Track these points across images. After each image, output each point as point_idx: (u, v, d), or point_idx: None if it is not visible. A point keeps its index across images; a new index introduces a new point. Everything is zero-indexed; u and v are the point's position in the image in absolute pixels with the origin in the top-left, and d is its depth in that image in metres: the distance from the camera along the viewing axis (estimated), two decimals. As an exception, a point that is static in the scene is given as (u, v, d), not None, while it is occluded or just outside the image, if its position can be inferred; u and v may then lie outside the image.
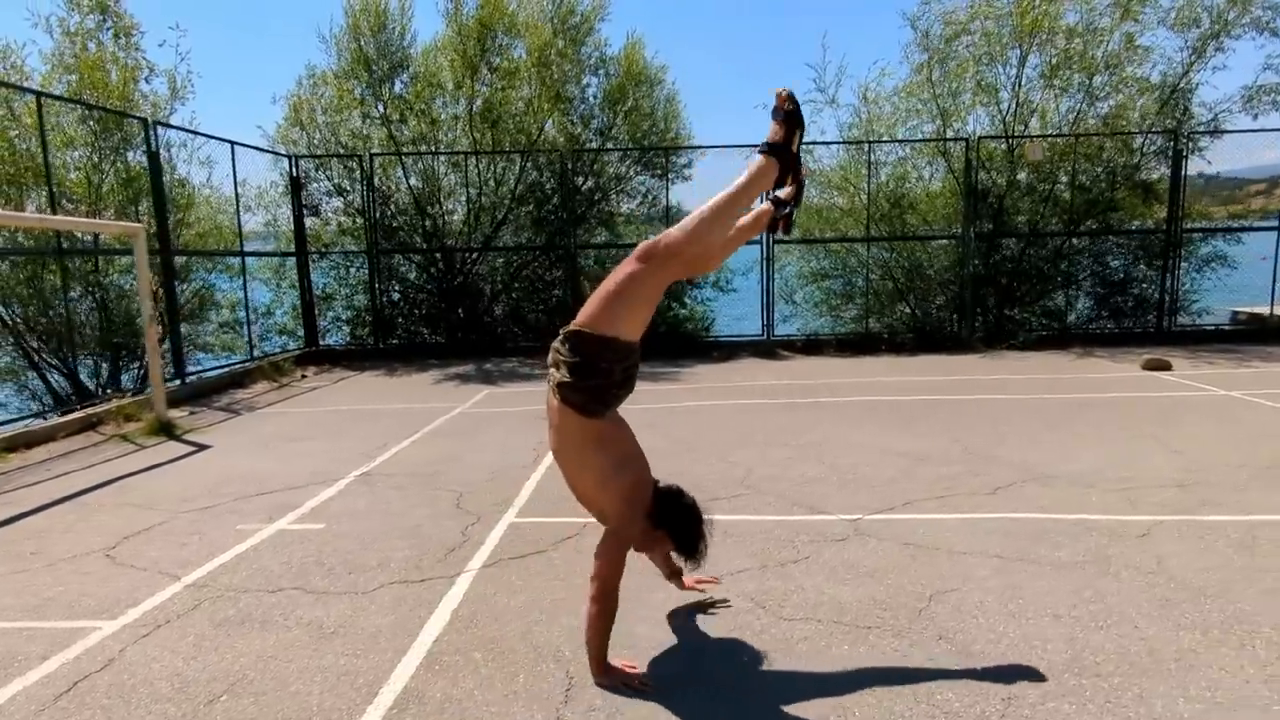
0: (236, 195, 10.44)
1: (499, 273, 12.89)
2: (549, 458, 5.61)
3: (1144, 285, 12.30)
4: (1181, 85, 11.66)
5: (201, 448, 6.58)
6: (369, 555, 3.89)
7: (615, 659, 2.62)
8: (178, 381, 9.13)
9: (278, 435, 6.94)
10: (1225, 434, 5.91)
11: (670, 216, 13.33)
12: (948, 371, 9.39)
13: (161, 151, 9.23)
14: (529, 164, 12.10)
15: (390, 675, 2.70)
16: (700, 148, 12.79)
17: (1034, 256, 12.33)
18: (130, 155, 9.43)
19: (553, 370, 2.58)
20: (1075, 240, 12.23)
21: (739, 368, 10.41)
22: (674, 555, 2.88)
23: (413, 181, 12.10)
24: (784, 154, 2.57)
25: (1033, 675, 2.58)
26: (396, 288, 12.67)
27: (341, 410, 8.07)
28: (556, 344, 2.57)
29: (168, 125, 9.57)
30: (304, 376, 10.59)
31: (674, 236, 2.51)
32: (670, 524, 2.72)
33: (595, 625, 2.54)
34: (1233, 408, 6.91)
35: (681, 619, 3.08)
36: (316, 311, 12.31)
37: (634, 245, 9.97)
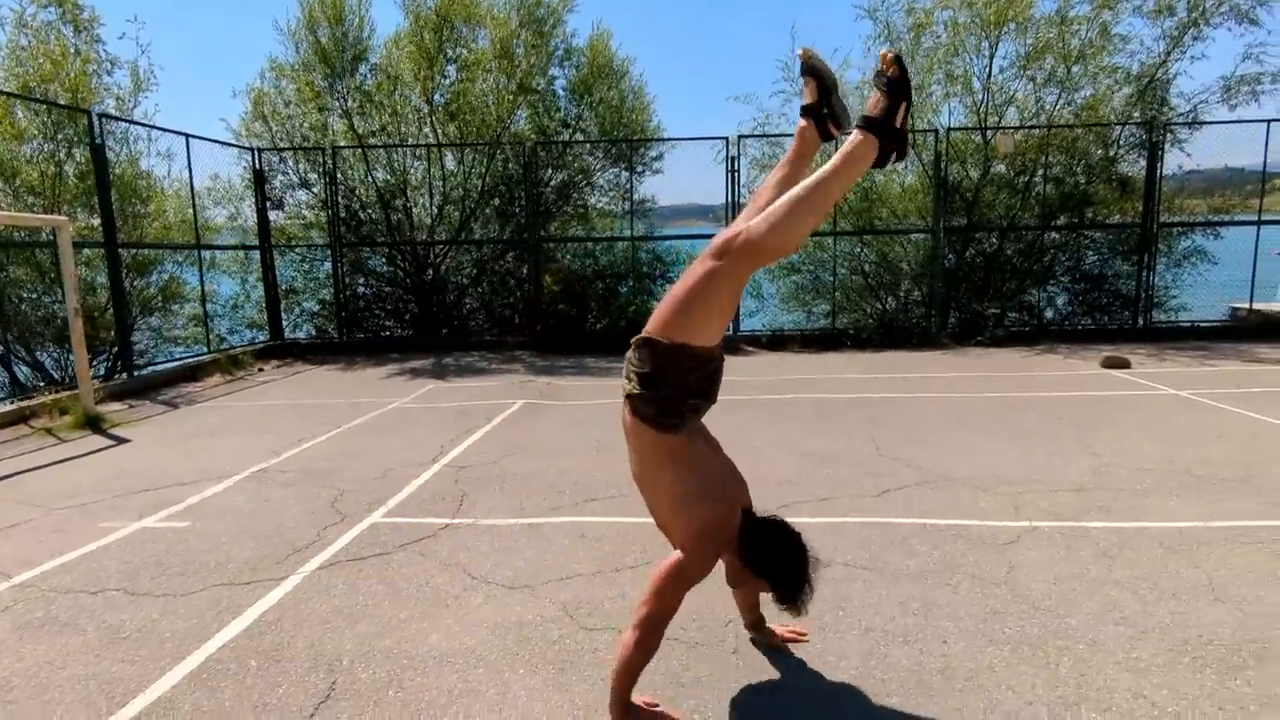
0: (191, 188, 10.42)
1: (466, 267, 12.84)
2: (449, 455, 5.55)
3: (1120, 281, 12.01)
4: (1158, 76, 11.35)
5: (121, 442, 6.55)
6: (213, 555, 3.81)
7: (637, 696, 2.31)
8: (124, 375, 9.13)
9: (202, 430, 6.90)
10: (1153, 435, 5.71)
11: (644, 211, 13.29)
12: (904, 369, 9.20)
13: (111, 145, 9.22)
14: (496, 157, 12.03)
15: (153, 684, 2.62)
16: (666, 140, 12.64)
17: (1009, 251, 12.09)
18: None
19: (624, 382, 2.31)
20: (1052, 235, 11.98)
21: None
22: (771, 600, 2.38)
23: (377, 175, 12.04)
24: (886, 130, 2.08)
25: (808, 693, 2.45)
26: (363, 282, 12.63)
27: (279, 405, 8.02)
28: (630, 353, 2.30)
29: (112, 117, 9.55)
30: (261, 370, 10.58)
31: (756, 229, 2.10)
32: (765, 562, 2.28)
33: (628, 662, 2.18)
34: (1174, 407, 6.70)
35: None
36: (283, 305, 12.29)
37: (605, 239, 9.86)
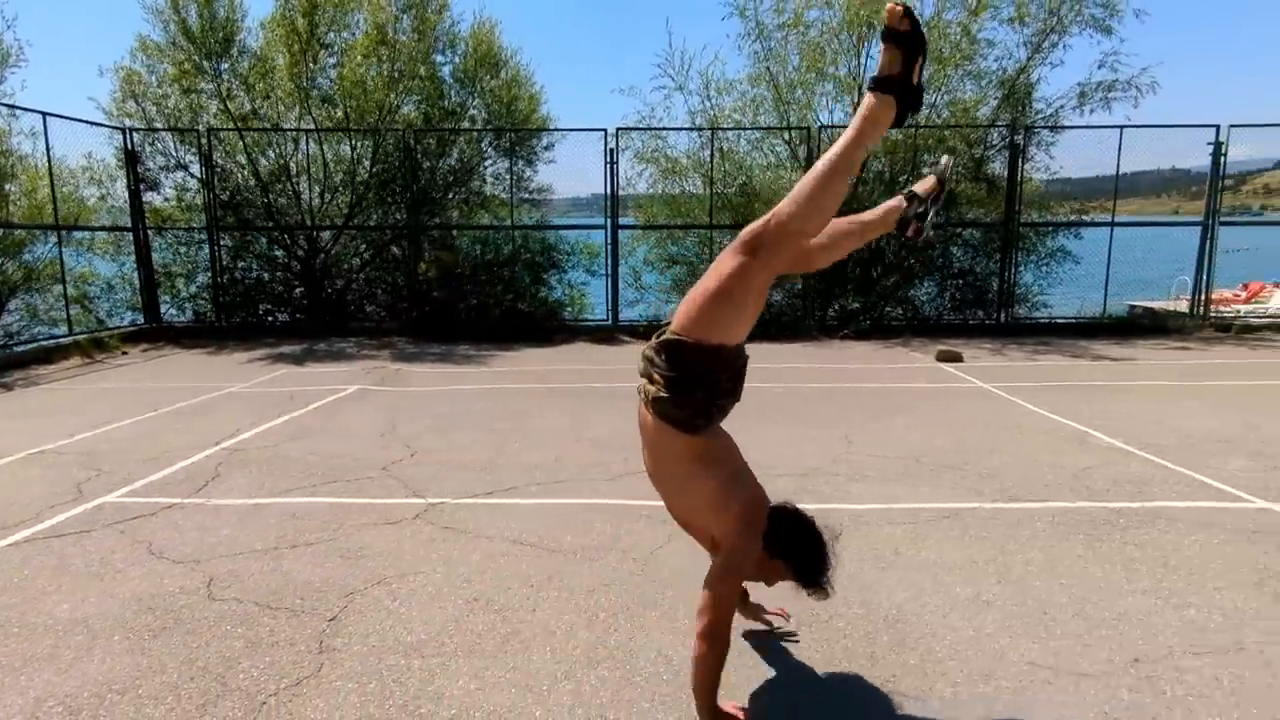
0: (50, 168, 10.25)
1: (353, 253, 12.84)
2: (238, 438, 5.64)
3: (988, 279, 12.45)
4: (1020, 80, 11.76)
5: (-76, 423, 6.50)
6: (-83, 532, 3.88)
7: (723, 702, 2.27)
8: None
9: (15, 412, 6.89)
10: (922, 425, 6.02)
11: (539, 201, 13.39)
12: (757, 359, 9.40)
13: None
14: (382, 144, 12.02)
15: None
16: (544, 130, 12.76)
17: (885, 248, 12.43)
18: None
19: (645, 383, 2.18)
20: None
21: (565, 352, 10.43)
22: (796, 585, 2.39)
23: (257, 159, 11.95)
24: (902, 89, 1.98)
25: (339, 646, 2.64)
26: (243, 265, 12.54)
27: (117, 388, 7.99)
28: (649, 353, 2.18)
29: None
30: (125, 353, 10.49)
31: (786, 213, 2.01)
32: (788, 550, 2.29)
33: (704, 669, 2.16)
34: (970, 399, 7.05)
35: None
36: (159, 288, 12.17)
37: (483, 227, 9.90)
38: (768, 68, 11.73)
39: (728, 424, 2.35)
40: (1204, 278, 11.96)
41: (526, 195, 13.38)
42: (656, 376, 2.14)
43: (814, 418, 6.33)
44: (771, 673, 2.59)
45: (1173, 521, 3.93)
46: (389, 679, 2.52)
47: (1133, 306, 14.88)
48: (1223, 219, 11.81)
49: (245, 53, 11.31)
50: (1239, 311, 14.59)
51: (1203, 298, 12.04)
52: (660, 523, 3.92)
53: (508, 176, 13.05)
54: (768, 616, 2.83)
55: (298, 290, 12.72)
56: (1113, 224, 12.00)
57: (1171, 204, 17.12)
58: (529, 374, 8.64)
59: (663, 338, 2.16)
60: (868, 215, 2.46)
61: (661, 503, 3.81)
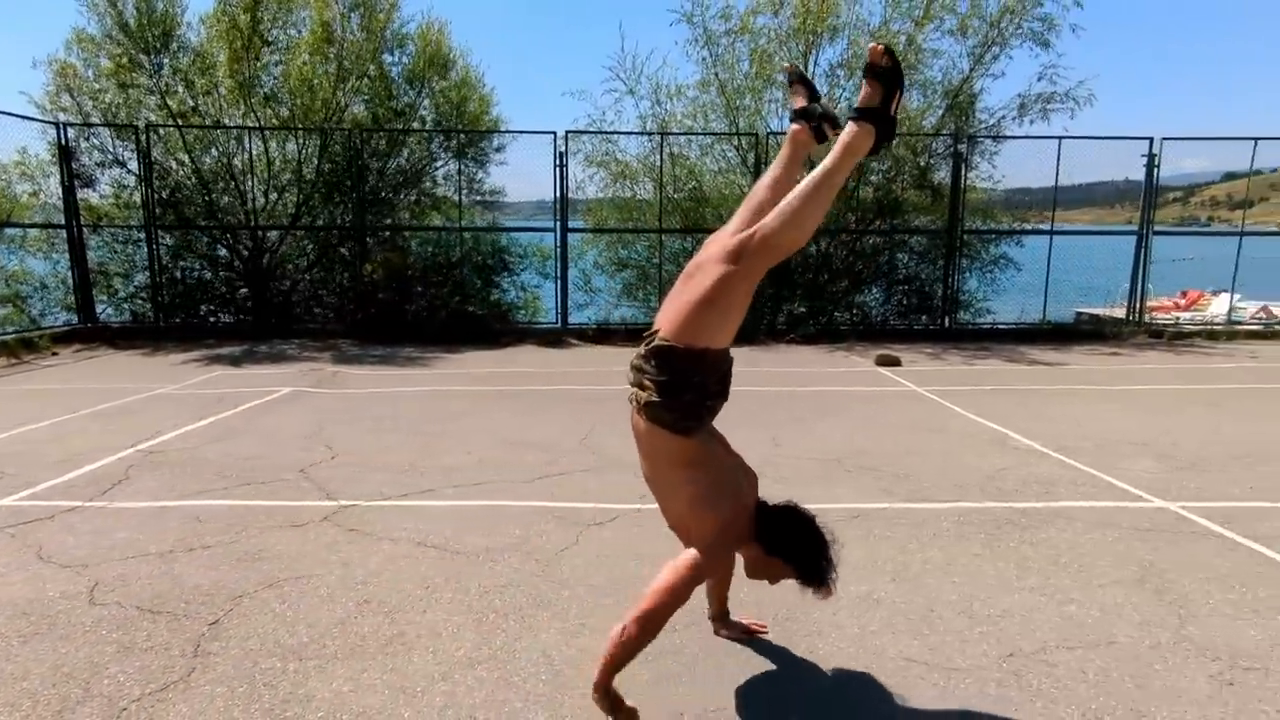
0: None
1: (298, 254, 12.66)
2: (156, 440, 5.52)
3: (932, 284, 12.66)
4: (964, 91, 12.00)
5: None
6: None
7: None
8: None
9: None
10: (851, 427, 6.10)
11: (492, 203, 13.33)
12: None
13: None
14: (330, 143, 11.87)
15: None
16: (492, 132, 12.72)
17: (834, 253, 12.59)
18: None
19: (636, 390, 2.26)
20: (871, 239, 12.53)
21: (511, 355, 10.37)
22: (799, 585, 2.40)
23: (197, 157, 11.72)
24: (881, 120, 2.15)
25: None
26: (184, 265, 12.27)
27: (42, 390, 7.75)
28: (638, 361, 2.25)
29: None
30: (55, 354, 10.20)
31: (771, 226, 2.13)
32: (788, 548, 2.32)
33: (622, 651, 2.17)
34: (903, 402, 7.15)
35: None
36: (95, 287, 11.86)
37: (437, 228, 9.79)
38: (716, 74, 11.81)
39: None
40: (1139, 286, 12.29)
41: (479, 197, 13.33)
42: (647, 382, 2.21)
43: (745, 420, 6.36)
44: (651, 667, 2.59)
45: (1071, 521, 4.03)
46: (260, 682, 2.47)
47: (1079, 313, 15.30)
48: (1157, 229, 12.12)
49: (185, 48, 11.08)
50: (1178, 319, 15.08)
51: (1138, 305, 12.36)
52: (571, 524, 3.93)
53: (463, 178, 13.00)
54: (750, 626, 2.84)
55: (242, 291, 12.49)
56: (1052, 232, 12.29)
57: (1125, 214, 17.62)
58: (470, 376, 8.58)
59: (652, 345, 2.22)
60: (780, 157, 2.50)
61: (573, 504, 3.85)
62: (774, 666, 2.63)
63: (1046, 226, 12.39)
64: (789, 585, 2.43)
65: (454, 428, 6.09)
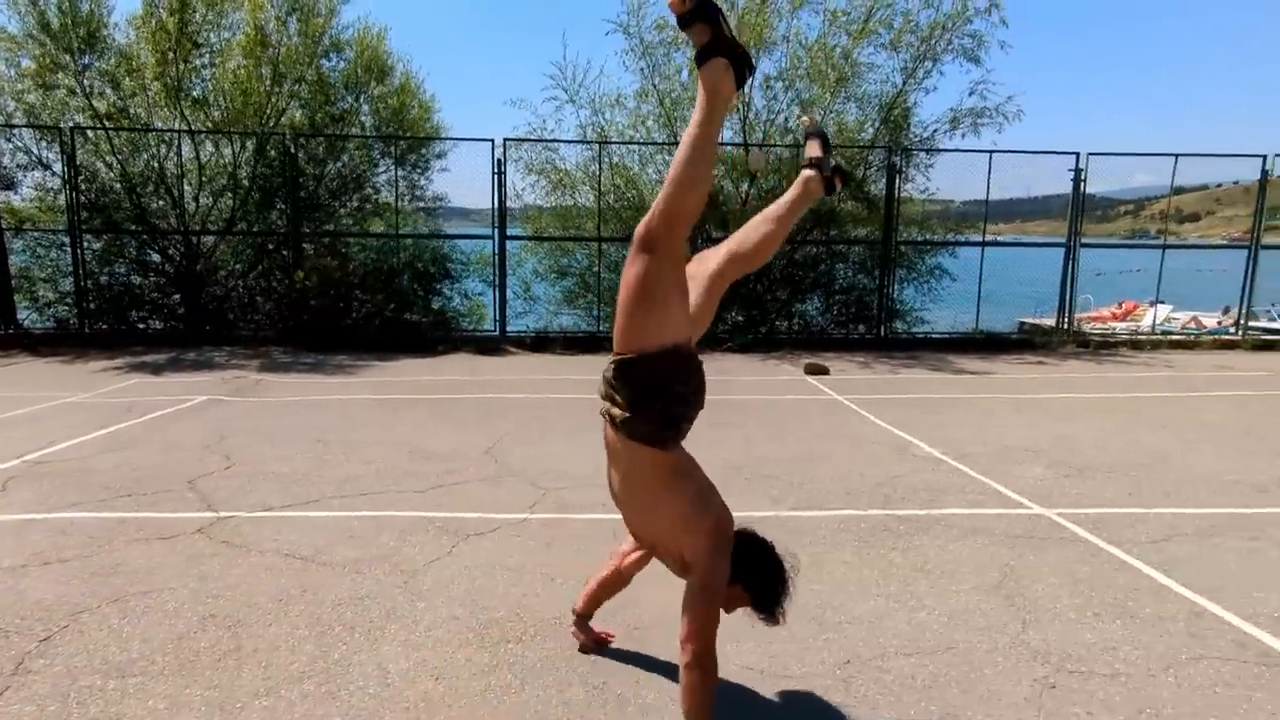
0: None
1: (232, 261, 12.44)
2: (44, 451, 5.38)
3: (869, 295, 12.83)
4: (898, 104, 12.22)
5: None
6: None
7: None
8: None
9: None
10: (761, 435, 6.15)
11: (434, 210, 13.24)
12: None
13: None
14: (267, 147, 11.70)
15: None
16: (429, 139, 12.65)
17: (771, 264, 12.69)
18: None
19: (607, 405, 2.17)
20: (809, 249, 12.67)
21: (444, 363, 10.26)
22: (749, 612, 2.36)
23: (125, 160, 11.46)
24: (721, 47, 1.95)
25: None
26: (112, 270, 11.98)
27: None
28: (607, 374, 2.16)
29: None
30: (-33, 361, 9.87)
31: (661, 200, 2.04)
32: (749, 575, 2.25)
33: (699, 695, 2.11)
34: (817, 410, 7.23)
35: None
36: (19, 292, 11.53)
37: (373, 235, 9.66)
38: (654, 84, 11.89)
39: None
40: (1068, 297, 12.58)
41: (422, 204, 13.26)
42: (617, 399, 2.13)
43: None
44: (504, 677, 2.57)
45: (948, 528, 4.10)
46: (74, 701, 2.41)
47: (1022, 322, 15.66)
48: (1084, 242, 12.44)
49: (110, 50, 10.84)
50: (1114, 329, 15.50)
51: (1068, 315, 12.66)
52: (450, 535, 3.90)
53: (400, 184, 12.92)
54: (600, 636, 2.85)
55: (175, 297, 12.22)
56: (984, 244, 12.55)
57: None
58: (396, 385, 8.49)
59: (615, 359, 2.15)
60: (790, 195, 2.52)
61: (459, 514, 3.81)
62: (609, 678, 2.63)
63: (979, 238, 12.64)
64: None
65: (361, 437, 6.01)
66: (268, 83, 11.42)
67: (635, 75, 11.96)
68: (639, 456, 2.18)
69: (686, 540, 2.20)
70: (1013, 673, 2.68)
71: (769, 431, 6.33)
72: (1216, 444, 5.97)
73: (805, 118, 2.73)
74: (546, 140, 12.10)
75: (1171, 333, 13.75)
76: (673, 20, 9.22)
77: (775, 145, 12.17)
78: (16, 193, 11.33)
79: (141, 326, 12.06)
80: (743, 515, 4.19)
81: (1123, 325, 17.15)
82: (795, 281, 12.86)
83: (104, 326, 11.67)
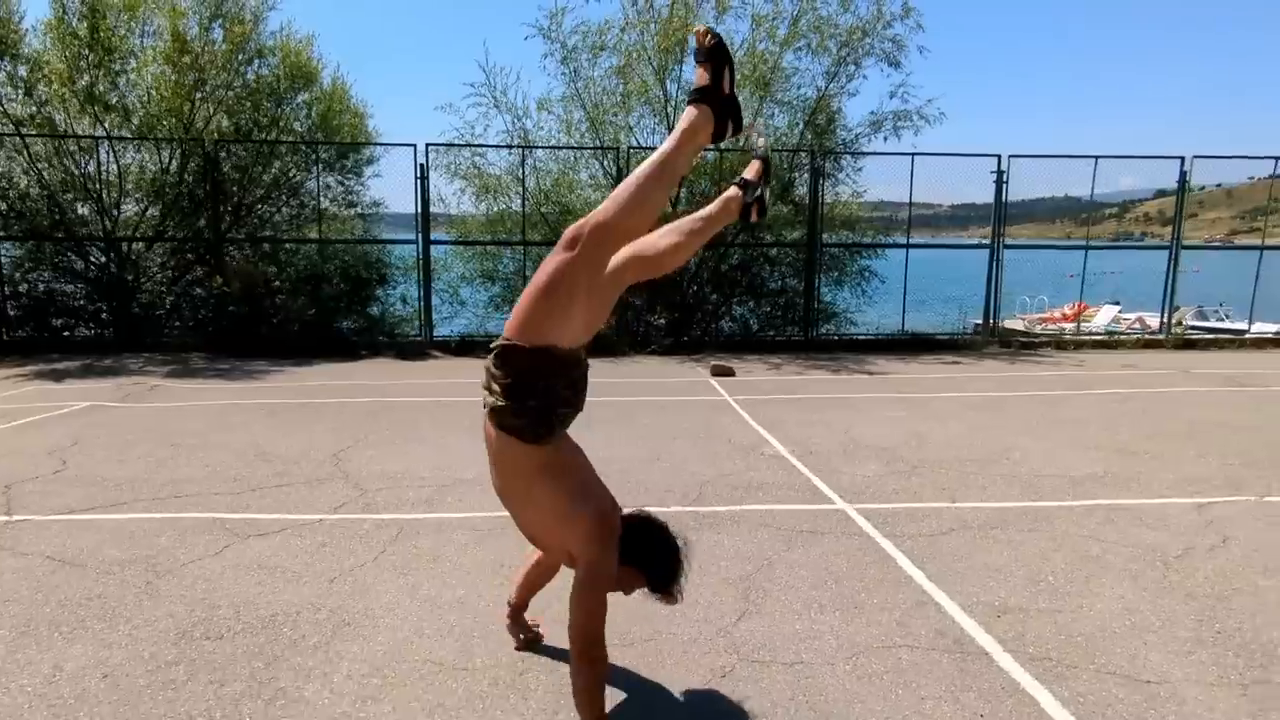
0: None
1: (155, 268, 12.43)
2: None
3: (798, 297, 12.88)
4: (821, 108, 12.30)
5: None
6: None
7: None
8: None
9: None
10: (626, 436, 6.13)
11: (374, 216, 13.26)
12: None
13: None
14: (191, 153, 11.71)
15: None
16: (358, 145, 12.69)
17: (701, 267, 12.75)
18: None
19: (485, 394, 2.16)
20: (736, 252, 12.73)
21: (360, 368, 10.26)
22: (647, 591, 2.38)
23: (43, 167, 11.45)
24: (714, 98, 2.11)
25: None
26: (33, 277, 11.95)
27: None
28: (488, 362, 2.15)
29: None
30: None
31: (604, 212, 2.08)
32: (639, 557, 2.28)
33: (587, 686, 2.17)
34: (698, 411, 7.24)
35: None
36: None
37: (298, 240, 9.66)
38: (577, 89, 11.94)
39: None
40: (992, 298, 12.66)
41: (358, 210, 13.30)
42: (495, 386, 2.12)
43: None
44: (174, 674, 2.58)
45: (739, 523, 4.13)
46: None
47: (976, 324, 15.75)
48: (1007, 244, 12.51)
49: (20, 57, 10.84)
50: (1063, 329, 15.53)
51: (991, 316, 12.72)
52: (230, 536, 3.91)
53: (335, 189, 12.98)
54: (533, 631, 2.83)
55: (102, 304, 12.19)
56: (908, 245, 12.63)
57: (1065, 229, 18.17)
58: (295, 389, 8.49)
59: (496, 345, 2.14)
60: (707, 210, 2.45)
61: (254, 515, 3.80)
62: (255, 666, 2.64)
63: (904, 239, 12.73)
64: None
65: (215, 440, 6.01)
66: (187, 89, 11.42)
67: (557, 80, 11.99)
68: (511, 450, 2.18)
69: (567, 533, 2.22)
70: (696, 663, 2.70)
71: (635, 433, 6.34)
72: (1061, 440, 6.02)
73: (760, 137, 2.65)
74: (469, 145, 12.15)
75: (1097, 333, 13.82)
76: (594, 25, 9.17)
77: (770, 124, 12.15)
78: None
79: (66, 334, 12.02)
80: (472, 516, 4.22)
81: (1070, 326, 17.26)
82: (727, 285, 12.90)
83: (23, 334, 11.63)
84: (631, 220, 2.11)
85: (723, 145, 11.18)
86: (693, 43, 2.16)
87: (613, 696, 2.47)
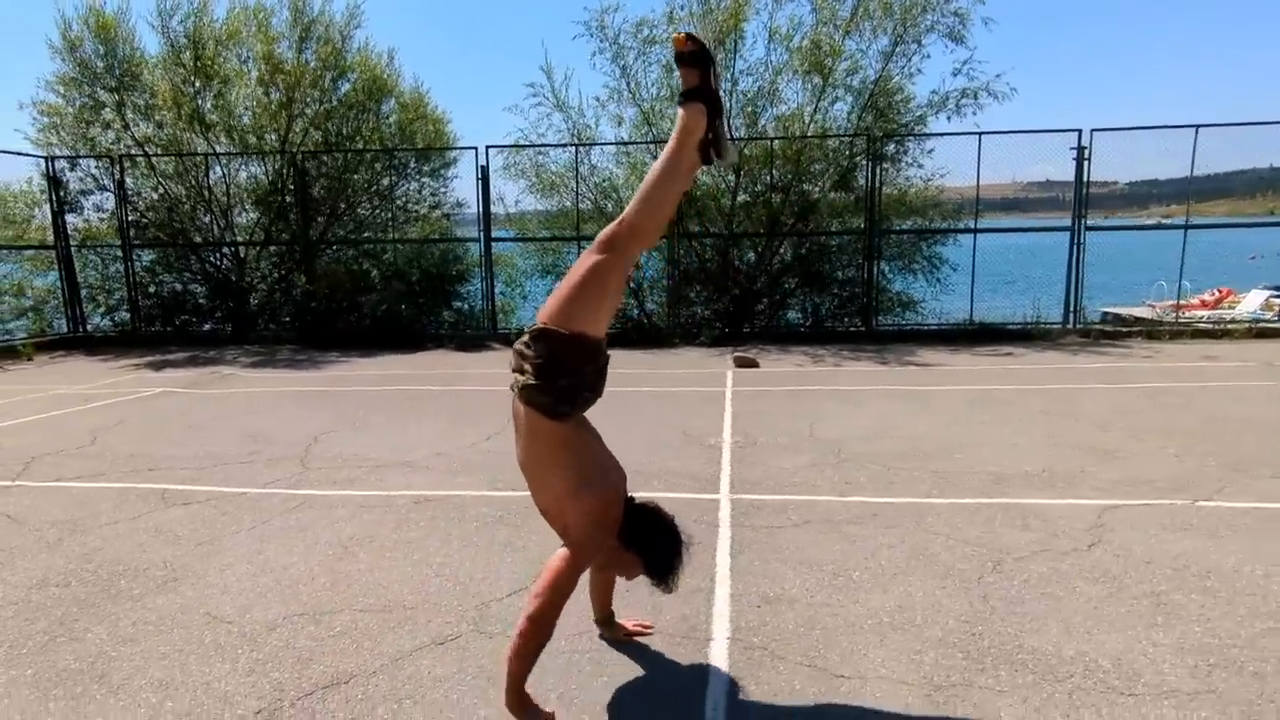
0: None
1: (260, 267, 13.87)
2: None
3: (857, 287, 12.46)
4: (880, 90, 11.82)
5: None
6: None
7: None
8: None
9: None
10: (603, 428, 6.33)
11: (456, 216, 14.15)
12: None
13: None
14: (285, 165, 13.00)
15: None
16: (429, 150, 13.49)
17: (762, 258, 12.63)
18: None
19: (515, 374, 2.35)
20: (786, 243, 12.50)
21: (418, 359, 10.97)
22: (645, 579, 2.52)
23: (165, 182, 13.09)
24: (704, 96, 2.32)
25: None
26: (160, 280, 13.66)
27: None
28: (519, 345, 2.36)
29: None
30: (30, 360, 11.64)
31: (633, 215, 2.29)
32: (642, 544, 2.45)
33: (524, 649, 2.24)
34: (693, 402, 7.28)
35: None
36: (92, 302, 13.46)
37: (373, 240, 10.64)
38: (626, 85, 12.14)
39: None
40: (1073, 284, 11.68)
41: (444, 211, 14.22)
42: (526, 366, 2.31)
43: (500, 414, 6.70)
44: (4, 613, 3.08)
45: (604, 510, 4.22)
46: None
47: (1105, 312, 14.67)
48: (1090, 224, 11.51)
49: (142, 88, 12.47)
50: (1203, 316, 13.99)
51: (1074, 305, 11.75)
52: (161, 504, 4.45)
53: (416, 193, 13.97)
54: (631, 630, 2.89)
55: (226, 303, 13.73)
56: (975, 230, 11.89)
57: (1268, 204, 16.42)
58: (340, 378, 9.25)
59: (532, 329, 2.36)
60: (662, 162, 2.36)
61: (194, 487, 4.24)
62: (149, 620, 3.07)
63: (972, 224, 11.99)
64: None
65: (232, 423, 6.74)
66: (274, 107, 12.67)
67: (608, 77, 12.25)
68: (536, 423, 2.36)
69: (570, 510, 2.35)
70: (438, 632, 2.89)
71: (613, 421, 6.46)
72: (1035, 435, 5.62)
73: (677, 44, 2.35)
74: (524, 145, 12.64)
75: (1224, 320, 12.34)
76: (647, 19, 9.33)
77: (751, 139, 12.08)
78: (80, 214, 13.18)
79: (189, 330, 13.66)
80: (457, 493, 4.52)
81: (1205, 314, 15.52)
82: (782, 276, 12.68)
83: (153, 330, 13.33)
84: (654, 220, 2.34)
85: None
86: (674, 48, 2.32)
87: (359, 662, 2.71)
